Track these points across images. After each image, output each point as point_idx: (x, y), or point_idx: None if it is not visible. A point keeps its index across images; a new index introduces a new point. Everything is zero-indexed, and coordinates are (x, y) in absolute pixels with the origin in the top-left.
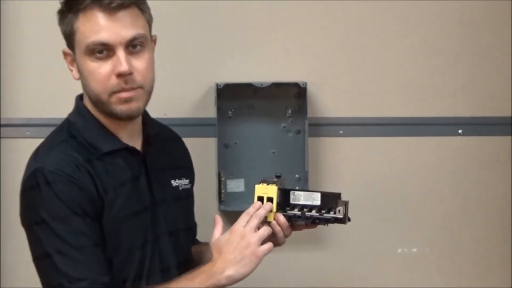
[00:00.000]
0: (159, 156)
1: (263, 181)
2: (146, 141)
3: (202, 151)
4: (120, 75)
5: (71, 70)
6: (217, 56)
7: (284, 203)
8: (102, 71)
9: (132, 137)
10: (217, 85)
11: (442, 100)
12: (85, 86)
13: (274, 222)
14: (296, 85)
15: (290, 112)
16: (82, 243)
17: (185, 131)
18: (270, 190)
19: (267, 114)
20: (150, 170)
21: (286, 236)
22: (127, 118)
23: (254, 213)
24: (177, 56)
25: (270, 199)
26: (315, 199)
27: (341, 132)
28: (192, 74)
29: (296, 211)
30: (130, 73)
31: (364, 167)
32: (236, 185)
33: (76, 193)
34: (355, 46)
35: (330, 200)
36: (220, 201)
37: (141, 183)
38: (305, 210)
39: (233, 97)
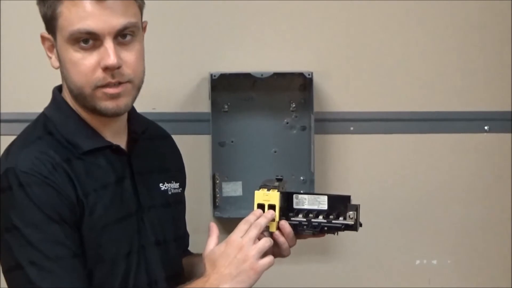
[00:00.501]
0: (146, 156)
1: (264, 186)
2: (132, 139)
3: (194, 150)
4: (107, 69)
5: (50, 58)
6: (212, 43)
7: (286, 208)
8: (86, 62)
9: (116, 134)
10: (211, 75)
11: (467, 93)
12: (65, 77)
13: (277, 232)
14: (301, 75)
15: (294, 106)
16: (59, 253)
17: (175, 128)
18: (271, 197)
19: (268, 108)
20: (136, 171)
21: (290, 246)
22: (113, 115)
23: (254, 222)
24: (167, 43)
25: (272, 207)
26: (322, 203)
27: (351, 128)
28: (184, 63)
29: (301, 218)
30: (119, 67)
31: (377, 168)
32: (232, 189)
33: (53, 196)
34: (368, 31)
35: (339, 204)
36: (215, 206)
37: (125, 186)
38: (311, 216)
39: (230, 89)
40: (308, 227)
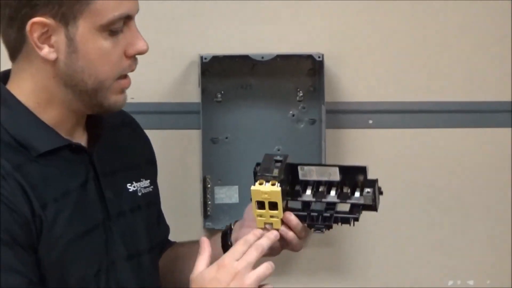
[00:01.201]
0: (110, 152)
1: (261, 175)
2: (93, 134)
3: (180, 148)
4: (133, 56)
5: (41, 48)
6: (201, 19)
7: (291, 183)
8: (116, 51)
9: (73, 130)
10: (201, 58)
11: (503, 83)
12: (79, 69)
13: (283, 228)
14: (309, 58)
15: (301, 95)
16: (12, 282)
17: (158, 121)
18: (272, 195)
19: (270, 97)
20: (101, 172)
21: (302, 238)
22: (115, 111)
23: (253, 242)
24: (146, 19)
25: (273, 204)
26: (333, 174)
27: (370, 122)
28: (167, 43)
29: (309, 194)
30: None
31: (402, 170)
32: (227, 195)
33: (2, 215)
34: (391, 6)
35: (352, 176)
36: (206, 216)
37: (89, 192)
38: (321, 190)
39: (224, 74)
40: (318, 221)
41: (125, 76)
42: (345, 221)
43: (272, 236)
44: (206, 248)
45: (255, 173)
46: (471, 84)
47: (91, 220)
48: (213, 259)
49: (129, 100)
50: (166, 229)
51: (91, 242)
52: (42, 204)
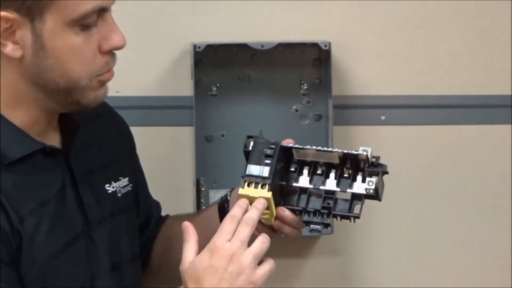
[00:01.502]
0: (86, 151)
1: (248, 175)
2: (66, 132)
3: (171, 148)
4: (110, 51)
5: (4, 45)
6: (195, 3)
7: (287, 161)
8: (89, 47)
9: (46, 131)
10: (194, 47)
11: None
12: (48, 68)
13: (277, 222)
14: (315, 46)
15: (306, 88)
16: None
17: (146, 117)
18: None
19: (271, 91)
20: (78, 175)
21: (299, 228)
22: (94, 106)
23: (242, 217)
24: (133, 4)
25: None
26: (331, 158)
27: (383, 118)
28: (157, 30)
29: (306, 181)
30: None
31: (417, 169)
32: None
33: None
34: None
35: (352, 163)
36: None
37: (67, 199)
38: (319, 172)
39: (219, 65)
40: (316, 217)
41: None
42: (345, 217)
43: (260, 205)
44: (191, 233)
45: (245, 152)
46: (499, 77)
47: (71, 230)
48: (209, 239)
49: (113, 94)
50: (155, 206)
51: (73, 255)
52: (19, 217)
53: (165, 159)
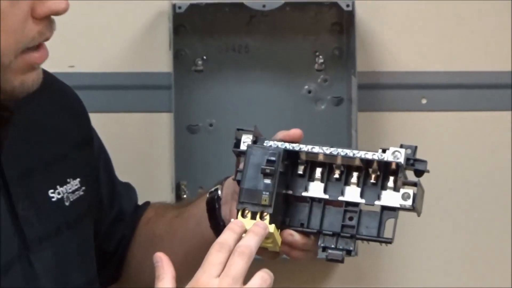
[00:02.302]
0: (23, 143)
1: (244, 201)
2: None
3: (143, 141)
4: (47, 18)
5: None
6: None
7: (293, 162)
8: (18, 12)
9: None
10: (174, 7)
11: None
12: None
13: (285, 248)
14: (334, 6)
15: (321, 61)
16: None
17: (110, 100)
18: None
19: (275, 65)
20: (11, 179)
21: (312, 251)
22: (23, 95)
23: (234, 244)
24: None
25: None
26: (352, 160)
27: (424, 102)
28: None
29: (319, 188)
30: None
31: (469, 167)
32: None
33: None
34: None
35: (383, 169)
36: None
37: None
38: (335, 176)
39: (207, 31)
40: (334, 244)
41: (36, 47)
42: (374, 241)
43: (259, 230)
44: (165, 267)
45: (236, 153)
46: None
47: (4, 253)
48: (196, 254)
49: (66, 70)
50: (127, 199)
51: (6, 285)
52: None
53: (134, 157)
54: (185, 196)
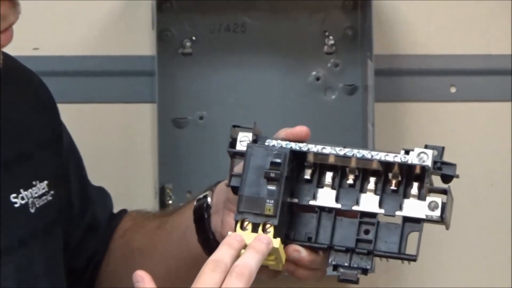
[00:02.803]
0: None
1: (244, 212)
2: None
3: (122, 137)
4: None
5: None
6: None
7: (299, 164)
8: None
9: None
10: None
11: None
12: None
13: (290, 266)
14: None
15: (332, 43)
16: None
17: (83, 89)
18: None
19: (277, 48)
20: None
21: (320, 269)
22: None
23: (231, 262)
24: None
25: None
26: (369, 163)
27: (453, 90)
28: None
29: (329, 197)
30: None
31: (502, 165)
32: None
33: None
34: None
35: (403, 168)
36: None
37: None
38: (349, 182)
39: (196, 8)
40: (346, 255)
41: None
42: (395, 258)
43: (261, 246)
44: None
45: (231, 154)
46: None
47: None
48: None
49: (30, 52)
50: (101, 206)
51: None
52: None
53: (110, 156)
54: (170, 202)
